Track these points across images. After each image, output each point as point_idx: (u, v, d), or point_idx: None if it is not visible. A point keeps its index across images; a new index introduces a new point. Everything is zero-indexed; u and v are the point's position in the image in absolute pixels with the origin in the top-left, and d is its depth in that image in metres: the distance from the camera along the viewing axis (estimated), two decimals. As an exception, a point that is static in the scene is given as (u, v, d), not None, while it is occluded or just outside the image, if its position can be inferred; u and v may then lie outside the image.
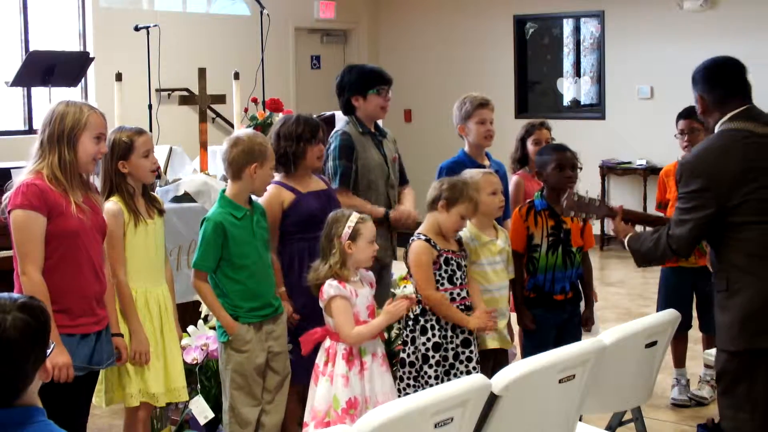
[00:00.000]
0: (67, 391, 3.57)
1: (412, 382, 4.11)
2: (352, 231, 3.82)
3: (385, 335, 4.45)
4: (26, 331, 2.16)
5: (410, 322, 4.16)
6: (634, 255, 3.73)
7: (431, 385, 4.02)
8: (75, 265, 3.58)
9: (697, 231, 3.48)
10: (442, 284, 4.13)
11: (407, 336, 4.19)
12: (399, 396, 3.90)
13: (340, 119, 5.04)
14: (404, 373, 4.15)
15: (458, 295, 4.16)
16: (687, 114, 5.37)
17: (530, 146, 5.31)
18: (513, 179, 5.32)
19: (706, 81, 3.60)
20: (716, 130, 3.56)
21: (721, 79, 3.58)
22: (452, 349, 4.12)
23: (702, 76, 3.62)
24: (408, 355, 4.15)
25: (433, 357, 4.11)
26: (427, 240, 4.15)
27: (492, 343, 4.34)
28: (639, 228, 3.89)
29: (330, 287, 3.80)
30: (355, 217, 3.86)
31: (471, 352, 4.15)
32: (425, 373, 4.11)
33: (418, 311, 4.13)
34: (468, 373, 4.05)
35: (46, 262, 3.51)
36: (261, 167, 4.00)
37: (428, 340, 4.12)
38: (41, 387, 3.42)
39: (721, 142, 3.50)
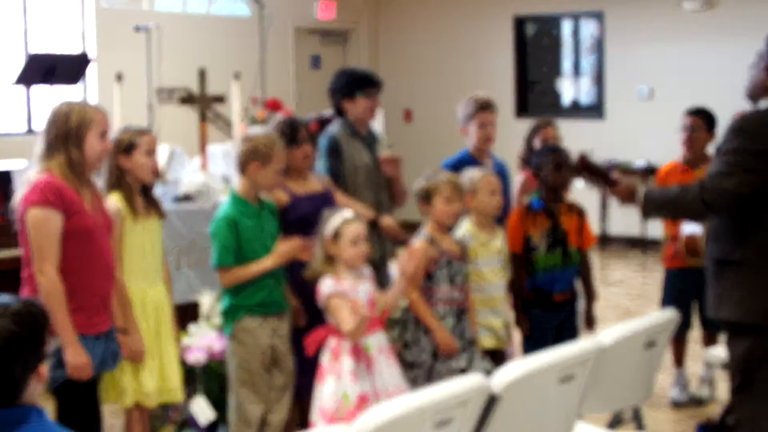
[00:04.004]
0: (83, 392, 3.59)
1: (422, 382, 4.09)
2: (335, 231, 3.83)
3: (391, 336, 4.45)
4: (10, 339, 2.16)
5: (410, 325, 4.16)
6: (648, 202, 3.61)
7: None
8: (89, 264, 3.59)
9: (742, 188, 3.33)
10: (441, 285, 4.14)
11: (410, 338, 4.19)
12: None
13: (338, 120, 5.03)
14: (410, 375, 4.11)
15: (456, 297, 4.17)
16: (694, 111, 5.37)
17: (537, 144, 5.33)
18: (520, 177, 5.35)
19: None
20: None
21: None
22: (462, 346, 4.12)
23: None
24: (415, 357, 4.15)
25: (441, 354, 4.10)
26: (431, 240, 4.16)
27: (489, 342, 4.34)
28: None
29: (325, 286, 3.81)
30: (339, 217, 3.86)
31: (473, 352, 4.15)
32: (438, 372, 4.08)
33: None
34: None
35: (61, 261, 3.51)
36: (263, 167, 4.02)
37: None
38: (60, 390, 3.47)
39: None
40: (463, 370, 4.01)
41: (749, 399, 3.48)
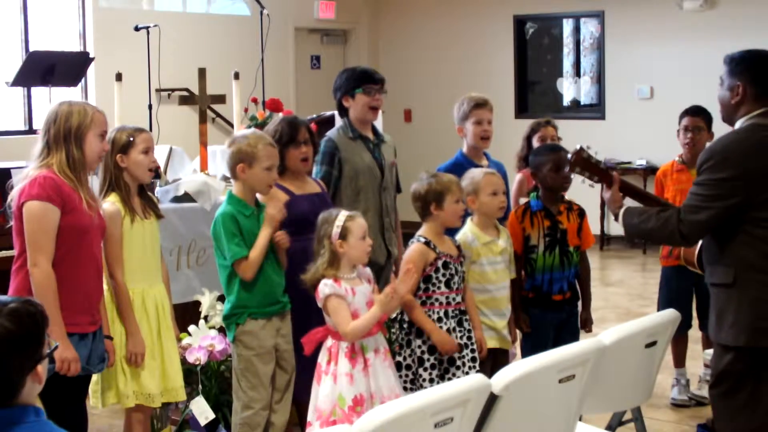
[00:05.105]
0: (67, 390, 3.58)
1: (408, 385, 4.10)
2: (342, 230, 3.81)
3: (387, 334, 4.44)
4: (7, 339, 2.16)
5: (405, 325, 4.16)
6: (628, 228, 3.69)
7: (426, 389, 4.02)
8: (80, 262, 3.60)
9: (714, 220, 3.41)
10: (438, 287, 4.12)
11: (402, 339, 4.18)
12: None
13: (339, 121, 5.02)
14: (400, 376, 4.12)
15: (453, 299, 4.15)
16: (694, 112, 5.36)
17: (536, 144, 5.34)
18: (517, 177, 5.34)
19: (753, 72, 3.49)
20: (742, 125, 3.50)
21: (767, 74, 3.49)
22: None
23: (748, 66, 3.50)
24: (404, 359, 4.14)
25: (428, 360, 4.09)
26: (427, 243, 4.15)
27: (491, 343, 4.33)
28: (629, 201, 3.84)
29: (325, 286, 3.80)
30: (343, 215, 3.85)
31: (467, 356, 4.13)
32: (420, 376, 4.10)
33: None
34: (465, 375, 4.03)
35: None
36: (249, 167, 4.00)
37: (423, 342, 4.10)
38: (45, 386, 3.45)
39: (756, 135, 3.44)
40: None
41: (731, 407, 3.48)
